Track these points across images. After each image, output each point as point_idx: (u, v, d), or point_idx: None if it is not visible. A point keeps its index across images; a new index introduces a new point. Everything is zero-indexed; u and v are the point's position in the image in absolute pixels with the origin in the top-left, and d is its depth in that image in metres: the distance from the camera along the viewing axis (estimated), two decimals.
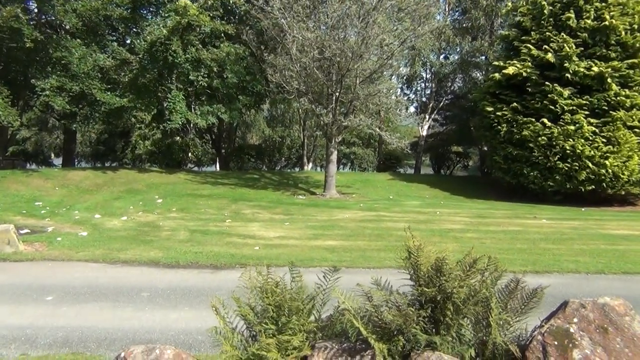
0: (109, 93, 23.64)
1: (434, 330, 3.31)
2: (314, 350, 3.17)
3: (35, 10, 23.83)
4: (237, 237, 12.23)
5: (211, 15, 24.76)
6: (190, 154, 33.61)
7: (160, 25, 24.04)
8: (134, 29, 26.29)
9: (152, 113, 27.74)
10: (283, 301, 3.15)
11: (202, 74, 24.41)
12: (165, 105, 25.10)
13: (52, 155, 46.38)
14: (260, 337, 3.09)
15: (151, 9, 27.66)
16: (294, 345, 3.02)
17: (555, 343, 3.22)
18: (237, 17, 27.59)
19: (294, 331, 3.10)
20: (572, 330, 3.26)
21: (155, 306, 7.10)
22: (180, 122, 24.57)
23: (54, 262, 9.67)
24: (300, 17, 20.08)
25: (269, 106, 37.16)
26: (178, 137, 30.91)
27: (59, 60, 22.21)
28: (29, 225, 13.41)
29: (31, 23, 21.63)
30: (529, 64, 22.48)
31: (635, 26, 21.79)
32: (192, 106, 26.44)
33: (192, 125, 28.88)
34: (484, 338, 3.43)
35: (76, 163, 35.36)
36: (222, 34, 25.48)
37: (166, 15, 24.55)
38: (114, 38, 26.82)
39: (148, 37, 23.71)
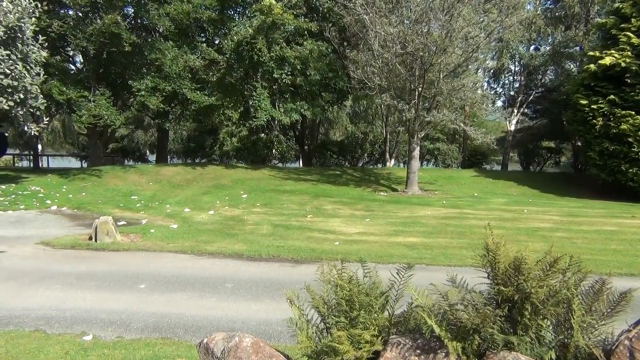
0: (198, 92, 24.71)
1: (511, 330, 3.23)
2: (387, 345, 3.19)
3: (132, 15, 25.33)
4: (317, 232, 12.42)
5: (295, 13, 25.21)
6: (274, 151, 34.45)
7: (246, 25, 24.79)
8: (222, 30, 27.29)
9: (239, 111, 28.68)
10: (354, 295, 3.19)
11: (285, 71, 24.96)
12: (250, 103, 25.88)
13: (147, 152, 49.11)
14: (333, 330, 3.16)
15: (238, 10, 28.58)
16: (365, 339, 3.06)
17: None
18: (320, 15, 27.90)
19: (365, 325, 3.14)
20: None
21: (238, 297, 7.38)
22: (265, 119, 25.24)
23: (147, 252, 10.31)
24: (382, 13, 19.97)
25: (351, 102, 37.23)
26: (263, 134, 31.76)
27: (153, 62, 23.50)
28: (125, 217, 14.37)
29: (128, 28, 23.02)
30: (629, 53, 21.02)
31: None
32: (276, 103, 27.05)
33: (276, 122, 29.58)
34: (566, 340, 3.29)
35: (169, 159, 37.24)
36: (305, 32, 25.86)
37: (252, 15, 25.30)
38: (203, 39, 27.98)
39: (235, 37, 24.54)
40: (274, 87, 26.72)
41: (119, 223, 12.91)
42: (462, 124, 22.42)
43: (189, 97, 24.22)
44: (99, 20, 21.12)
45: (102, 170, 23.58)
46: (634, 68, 20.82)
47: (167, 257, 9.96)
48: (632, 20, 21.49)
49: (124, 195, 18.87)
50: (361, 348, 3.04)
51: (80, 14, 22.22)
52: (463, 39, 20.14)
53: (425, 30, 20.01)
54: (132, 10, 24.65)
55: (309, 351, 3.24)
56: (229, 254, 10.15)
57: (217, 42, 27.68)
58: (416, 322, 3.39)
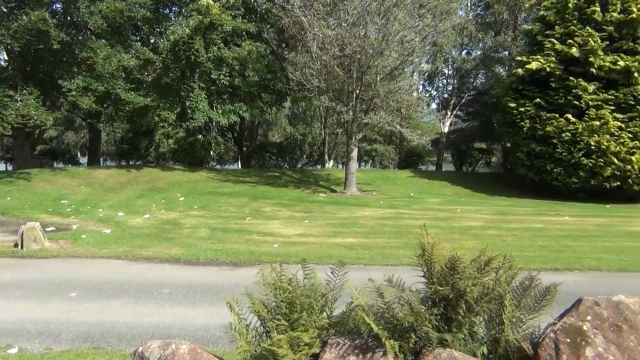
0: (132, 93, 23.97)
1: (446, 327, 3.32)
2: (326, 346, 3.21)
3: (61, 12, 24.27)
4: (257, 235, 12.35)
5: (233, 14, 24.94)
6: (212, 152, 33.92)
7: (183, 25, 24.29)
8: (157, 29, 26.62)
9: (175, 112, 28.07)
10: (295, 298, 3.19)
11: (223, 72, 24.63)
12: (187, 104, 25.38)
13: (79, 154, 47.21)
14: (273, 333, 3.14)
15: (174, 9, 27.96)
16: (304, 341, 3.06)
17: (568, 341, 3.20)
18: (258, 16, 27.73)
19: (305, 327, 3.14)
20: (585, 328, 3.24)
21: (176, 303, 7.22)
22: (202, 121, 24.83)
23: (78, 259, 9.90)
24: (320, 15, 20.11)
25: (290, 104, 37.24)
26: (200, 136, 31.21)
27: (85, 61, 22.60)
28: (54, 222, 13.74)
29: (57, 25, 22.04)
30: (553, 59, 22.14)
31: None
32: (214, 105, 26.66)
33: (214, 123, 29.14)
34: (497, 335, 3.42)
35: (101, 162, 35.95)
36: (244, 33, 25.64)
37: (188, 14, 24.81)
38: (138, 38, 27.18)
39: (171, 37, 23.98)
40: (211, 88, 26.32)
41: (48, 229, 12.32)
42: (398, 126, 22.91)
43: (122, 98, 23.43)
44: (24, 17, 20.10)
45: (29, 173, 22.43)
46: (557, 73, 21.94)
47: (99, 263, 9.60)
48: (556, 27, 22.65)
49: (53, 200, 18.05)
50: (300, 351, 3.04)
51: (4, 9, 21.07)
52: (399, 43, 20.59)
53: (363, 34, 20.31)
54: (61, 7, 23.62)
55: (248, 356, 3.21)
56: (165, 258, 9.91)
57: (152, 41, 26.95)
58: (355, 323, 3.43)
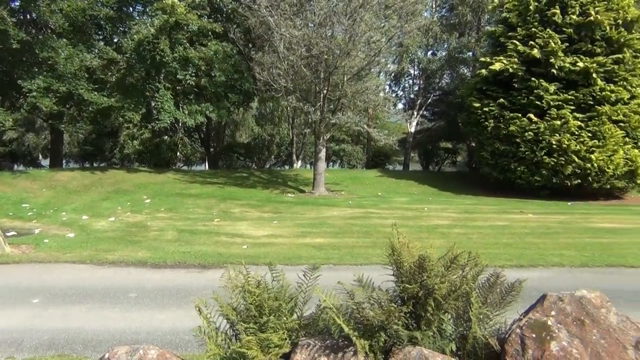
0: (96, 93, 23.49)
1: (415, 325, 3.36)
2: (297, 347, 3.21)
3: (21, 10, 23.61)
4: (225, 236, 12.25)
5: (199, 13, 24.67)
6: (178, 153, 33.52)
7: (148, 25, 23.91)
8: (121, 28, 26.13)
9: (140, 112, 27.62)
10: (263, 301, 3.18)
11: (190, 72, 24.32)
12: (153, 104, 25.01)
13: (40, 156, 45.98)
14: (242, 336, 3.12)
15: (137, 8, 27.50)
16: (274, 342, 3.05)
17: (534, 336, 3.27)
18: (224, 16, 27.52)
19: (274, 329, 3.14)
20: (549, 323, 3.32)
21: (143, 307, 7.11)
22: (168, 121, 24.51)
23: (40, 264, 9.62)
24: (287, 15, 20.07)
25: (257, 104, 37.07)
26: (166, 137, 30.81)
27: (46, 61, 22.03)
28: (15, 227, 13.35)
29: (16, 24, 21.43)
30: (515, 59, 22.62)
31: (620, 21, 21.99)
32: (180, 105, 26.34)
33: (180, 124, 28.79)
34: (465, 332, 3.48)
35: (64, 164, 35.09)
36: (210, 33, 25.39)
37: (153, 14, 24.42)
38: (101, 37, 26.64)
39: (135, 36, 23.57)
40: (177, 88, 25.99)
41: (8, 234, 11.96)
42: (365, 126, 23.07)
43: (85, 98, 22.92)
44: None
45: None
46: (520, 73, 22.44)
47: (63, 268, 9.36)
48: (518, 29, 23.14)
49: (13, 204, 17.51)
50: (270, 352, 3.03)
51: None
52: (365, 43, 20.72)
53: (329, 34, 20.37)
54: (20, 5, 22.97)
55: (218, 359, 3.18)
56: (131, 262, 9.73)
57: (116, 40, 26.43)
58: (325, 323, 3.43)
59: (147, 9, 25.89)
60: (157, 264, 9.57)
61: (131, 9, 27.01)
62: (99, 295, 7.62)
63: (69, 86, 22.38)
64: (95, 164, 39.64)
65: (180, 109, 25.88)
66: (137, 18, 26.47)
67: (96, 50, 24.34)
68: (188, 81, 24.40)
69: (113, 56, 24.07)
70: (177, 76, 24.21)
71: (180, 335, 5.97)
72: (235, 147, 39.20)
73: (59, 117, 25.56)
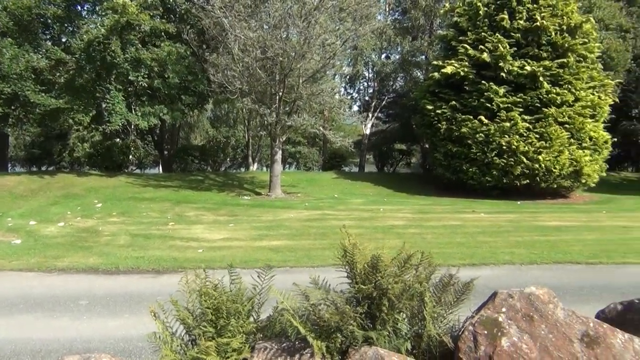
0: (43, 94, 22.70)
1: (370, 325, 3.40)
2: (254, 351, 3.20)
3: None
4: (180, 240, 12.06)
5: (151, 14, 24.19)
6: (131, 156, 32.73)
7: (98, 24, 23.27)
8: (70, 28, 25.34)
9: (91, 114, 26.85)
10: (221, 303, 3.16)
11: (142, 74, 23.77)
12: (104, 106, 24.35)
13: None
14: (199, 341, 3.09)
15: (87, 7, 26.74)
16: (233, 347, 3.04)
17: (485, 332, 3.36)
18: (177, 16, 27.06)
19: (233, 333, 3.12)
20: (500, 319, 3.42)
21: (94, 314, 6.92)
22: (120, 124, 23.89)
23: None
24: (241, 16, 19.94)
25: (212, 106, 36.67)
26: (118, 139, 30.05)
27: None
28: None
29: None
30: (466, 63, 23.21)
31: (564, 27, 22.89)
32: (133, 107, 25.75)
33: (133, 126, 28.15)
34: (420, 331, 3.54)
35: (9, 168, 33.74)
36: (163, 33, 24.93)
37: (103, 13, 23.78)
38: (48, 37, 25.77)
39: (85, 37, 22.90)
40: (129, 89, 25.40)
41: None
42: (321, 128, 23.14)
43: (32, 100, 22.12)
44: None
45: None
46: (471, 77, 23.04)
47: (9, 276, 9.01)
48: (469, 33, 23.77)
49: None
50: (229, 357, 3.01)
51: None
52: (320, 46, 20.79)
53: (284, 36, 20.37)
54: None
55: None
56: (82, 268, 9.45)
57: (64, 40, 25.61)
58: (282, 326, 3.43)
59: (97, 8, 25.20)
60: (109, 270, 9.33)
61: (80, 8, 26.25)
62: (48, 303, 7.37)
63: (15, 87, 21.56)
64: (43, 168, 38.25)
65: (133, 111, 25.29)
66: (87, 17, 25.73)
67: (43, 50, 23.52)
68: (140, 82, 23.87)
69: (61, 56, 23.31)
70: (129, 77, 23.66)
71: (134, 342, 5.84)
72: (190, 149, 38.57)
73: (3, 120, 24.58)
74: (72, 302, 7.41)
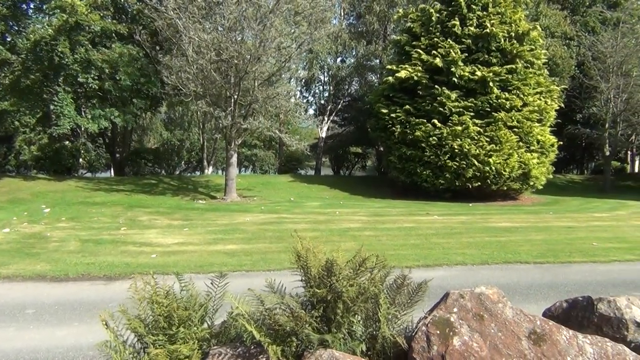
0: None
1: (326, 329, 3.41)
2: (208, 357, 3.16)
3: None
4: (132, 246, 11.79)
5: (101, 14, 23.59)
6: (81, 160, 31.81)
7: (45, 24, 22.50)
8: (15, 27, 24.41)
9: (37, 117, 25.93)
10: (172, 311, 3.11)
11: (92, 75, 23.10)
12: (52, 108, 23.57)
13: None
14: (149, 349, 3.03)
15: (33, 5, 25.80)
16: (184, 354, 2.99)
17: (438, 332, 3.43)
18: (129, 17, 26.49)
19: (185, 340, 3.07)
20: (452, 319, 3.49)
21: (42, 323, 6.68)
22: (68, 127, 23.16)
23: None
24: (196, 18, 19.67)
25: (166, 109, 36.04)
26: (67, 142, 29.15)
27: None
28: None
29: None
30: (420, 68, 23.65)
31: (513, 34, 23.64)
32: (83, 109, 25.01)
33: (83, 129, 27.35)
34: (374, 333, 3.58)
35: None
36: (114, 34, 24.35)
37: (51, 12, 23.02)
38: None
39: (31, 36, 22.11)
40: (79, 91, 24.66)
41: None
42: (277, 131, 23.12)
43: None
44: None
45: None
46: (424, 81, 23.49)
47: None
48: (422, 38, 24.24)
49: None
50: None
51: None
52: (276, 49, 20.77)
53: (240, 39, 20.24)
54: None
55: None
56: (29, 276, 9.10)
57: (9, 39, 24.66)
58: (237, 331, 3.41)
59: (45, 7, 24.37)
60: (58, 277, 9.03)
61: (26, 6, 25.33)
62: None
63: None
64: None
65: (83, 114, 24.58)
66: (33, 16, 24.84)
67: None
68: (90, 85, 23.20)
69: (6, 56, 22.46)
70: (79, 79, 22.98)
71: (84, 351, 5.67)
72: (143, 152, 37.76)
73: None
74: (18, 311, 7.13)
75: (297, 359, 3.28)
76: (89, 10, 22.33)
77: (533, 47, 24.56)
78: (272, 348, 3.14)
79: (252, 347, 3.28)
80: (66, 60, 22.13)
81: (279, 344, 3.22)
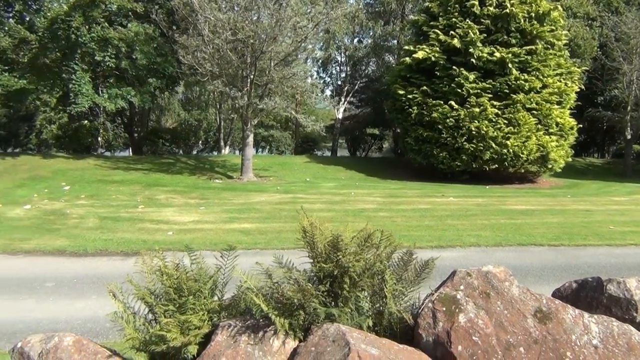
0: (6, 74, 22.08)
1: (333, 303, 3.48)
2: (218, 328, 3.25)
3: None
4: (149, 223, 11.98)
5: None
6: (100, 139, 32.18)
7: (60, 1, 22.58)
8: (33, 6, 24.58)
9: (57, 95, 26.21)
10: (182, 282, 3.19)
11: (109, 54, 23.22)
12: (70, 87, 23.80)
13: None
14: (161, 318, 3.12)
15: None
16: (194, 324, 3.08)
17: (444, 309, 3.47)
18: None
19: (194, 310, 3.16)
20: (458, 296, 3.53)
21: (61, 296, 6.88)
22: (86, 106, 23.38)
23: None
24: None
25: (183, 88, 36.15)
26: (86, 121, 29.47)
27: None
28: None
29: None
30: (437, 48, 23.36)
31: (533, 14, 23.19)
32: (100, 88, 25.21)
33: (101, 108, 27.60)
34: (381, 308, 3.64)
35: None
36: (130, 13, 24.38)
37: None
38: (10, 15, 24.97)
39: (48, 14, 22.26)
40: (97, 70, 24.83)
41: None
42: (293, 112, 23.13)
43: None
44: None
45: None
46: (442, 62, 23.21)
47: None
48: (440, 18, 23.90)
49: None
50: (190, 334, 3.06)
51: None
52: (292, 29, 20.65)
53: (255, 18, 20.16)
54: None
55: (137, 343, 3.17)
56: (49, 251, 9.34)
57: (27, 19, 24.84)
58: (246, 305, 3.49)
59: None
60: (76, 253, 9.25)
61: None
62: (13, 285, 7.29)
63: None
64: (8, 150, 37.29)
65: (100, 93, 24.78)
66: None
67: (6, 29, 22.81)
68: (107, 63, 23.34)
69: (25, 35, 22.66)
70: (95, 58, 23.12)
71: (101, 322, 5.84)
72: (161, 132, 38.04)
73: None
74: (38, 284, 7.34)
75: (304, 332, 3.35)
76: None
77: (554, 27, 24.08)
78: (279, 321, 3.21)
79: (261, 320, 3.35)
80: (83, 38, 22.25)
81: (287, 317, 3.29)
